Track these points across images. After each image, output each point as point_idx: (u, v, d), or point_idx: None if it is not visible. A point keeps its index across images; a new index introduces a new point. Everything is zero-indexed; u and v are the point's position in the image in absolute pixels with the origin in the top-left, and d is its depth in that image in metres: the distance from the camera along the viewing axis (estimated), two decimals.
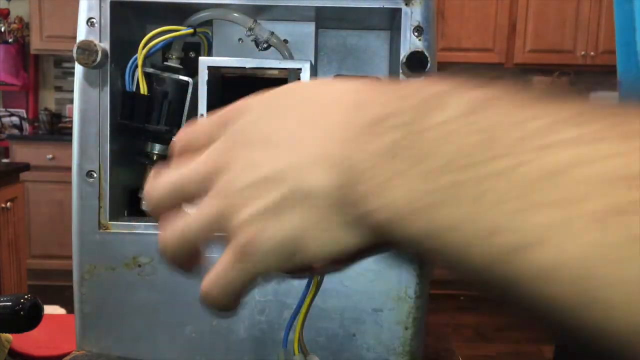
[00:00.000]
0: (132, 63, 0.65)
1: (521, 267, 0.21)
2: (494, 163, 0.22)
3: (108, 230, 0.63)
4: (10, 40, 4.15)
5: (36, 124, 4.25)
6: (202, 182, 0.33)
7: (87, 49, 0.61)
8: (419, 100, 0.25)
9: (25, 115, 4.25)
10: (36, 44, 4.08)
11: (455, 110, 0.24)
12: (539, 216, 0.21)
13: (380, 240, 0.28)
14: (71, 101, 0.60)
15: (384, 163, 0.25)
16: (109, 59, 0.63)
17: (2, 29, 4.14)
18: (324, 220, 0.29)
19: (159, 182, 0.37)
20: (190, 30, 0.65)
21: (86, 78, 0.63)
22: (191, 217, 0.34)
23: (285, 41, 0.68)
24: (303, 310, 0.59)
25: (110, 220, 0.63)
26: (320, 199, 0.28)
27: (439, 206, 0.24)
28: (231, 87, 0.69)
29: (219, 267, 0.34)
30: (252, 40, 0.67)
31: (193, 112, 0.65)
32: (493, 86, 0.24)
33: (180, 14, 0.65)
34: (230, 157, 0.31)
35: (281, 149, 0.30)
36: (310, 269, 0.32)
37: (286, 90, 0.32)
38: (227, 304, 0.34)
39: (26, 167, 2.94)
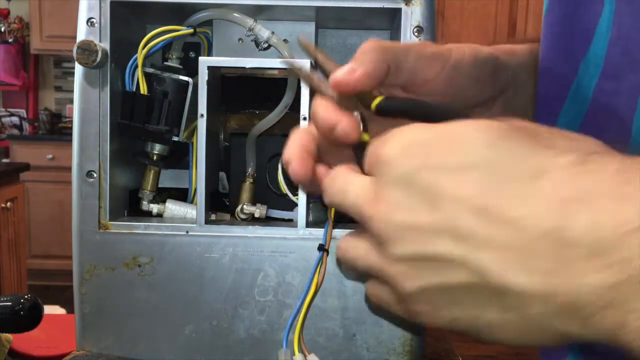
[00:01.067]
0: (132, 63, 0.65)
1: None
2: None
3: (108, 230, 0.63)
4: (10, 40, 4.15)
5: (36, 124, 4.25)
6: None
7: (87, 49, 0.61)
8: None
9: (25, 115, 4.25)
10: (36, 44, 4.08)
11: None
12: None
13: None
14: (71, 101, 0.60)
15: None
16: (109, 59, 0.63)
17: (2, 29, 4.14)
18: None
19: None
20: (190, 30, 0.65)
21: (86, 78, 0.63)
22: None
23: (285, 41, 0.68)
24: (303, 310, 0.59)
25: (110, 220, 0.63)
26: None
27: None
28: (231, 87, 0.70)
29: (382, 293, 0.34)
30: (252, 40, 0.67)
31: (193, 112, 0.65)
32: None
33: (180, 14, 0.65)
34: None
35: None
36: None
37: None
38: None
39: (26, 167, 2.95)
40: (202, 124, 0.62)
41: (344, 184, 0.35)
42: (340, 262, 0.36)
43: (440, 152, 0.30)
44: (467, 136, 0.29)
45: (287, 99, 0.67)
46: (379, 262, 0.32)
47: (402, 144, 0.31)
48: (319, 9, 0.64)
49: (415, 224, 0.29)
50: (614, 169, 0.26)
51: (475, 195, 0.28)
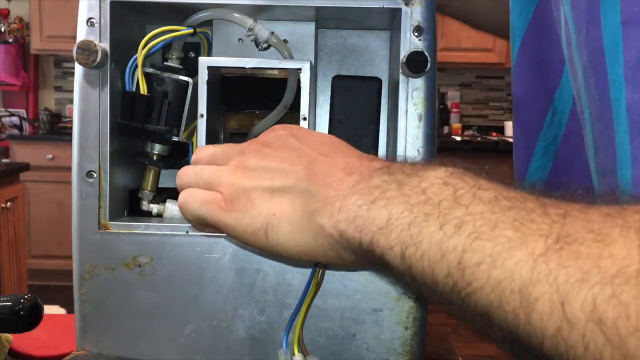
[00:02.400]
0: (132, 63, 0.65)
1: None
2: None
3: (108, 230, 0.63)
4: (10, 40, 4.15)
5: (36, 124, 4.25)
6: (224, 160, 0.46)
7: (86, 49, 0.61)
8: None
9: (25, 115, 4.25)
10: (36, 44, 4.08)
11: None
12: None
13: (341, 254, 0.40)
14: (71, 101, 0.60)
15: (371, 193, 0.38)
16: (108, 59, 0.63)
17: (2, 29, 4.14)
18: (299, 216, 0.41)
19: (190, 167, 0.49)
20: (190, 30, 0.65)
21: (86, 78, 0.63)
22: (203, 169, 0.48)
23: (285, 41, 0.68)
24: (303, 310, 0.59)
25: (110, 220, 0.63)
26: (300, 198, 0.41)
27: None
28: (231, 87, 0.70)
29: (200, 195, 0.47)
30: (252, 40, 0.67)
31: (193, 112, 0.65)
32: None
33: (180, 14, 0.65)
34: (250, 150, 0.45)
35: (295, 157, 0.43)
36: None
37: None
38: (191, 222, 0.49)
39: (26, 167, 2.95)
40: (202, 124, 0.62)
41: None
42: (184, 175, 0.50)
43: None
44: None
45: (287, 99, 0.67)
46: (228, 168, 0.45)
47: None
48: (319, 9, 0.64)
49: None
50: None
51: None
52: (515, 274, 0.29)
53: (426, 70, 0.61)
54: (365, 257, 0.38)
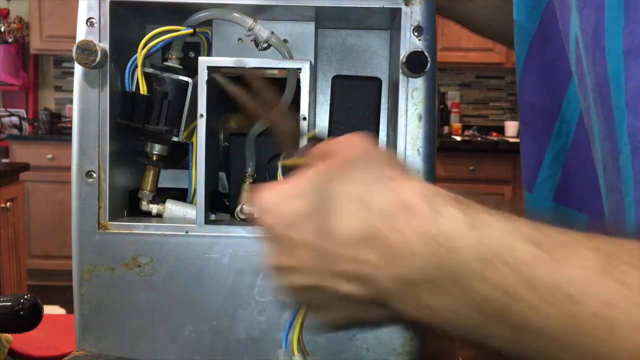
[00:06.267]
0: (132, 63, 0.65)
1: None
2: None
3: (108, 231, 0.63)
4: (10, 40, 4.15)
5: (36, 124, 4.25)
6: None
7: (86, 49, 0.61)
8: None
9: (25, 115, 4.25)
10: (36, 44, 4.07)
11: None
12: None
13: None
14: (71, 101, 0.60)
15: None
16: (108, 59, 0.63)
17: (2, 29, 4.14)
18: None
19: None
20: (190, 30, 0.65)
21: (86, 78, 0.63)
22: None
23: (285, 41, 0.68)
24: (302, 310, 0.59)
25: (109, 220, 0.63)
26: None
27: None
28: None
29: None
30: (251, 40, 0.67)
31: (193, 112, 0.65)
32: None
33: (180, 14, 0.65)
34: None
35: None
36: None
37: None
38: None
39: (26, 167, 2.94)
40: (201, 124, 0.62)
41: None
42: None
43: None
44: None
45: (286, 99, 0.67)
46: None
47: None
48: (318, 9, 0.64)
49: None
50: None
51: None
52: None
53: (426, 70, 0.61)
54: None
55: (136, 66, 0.64)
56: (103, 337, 0.64)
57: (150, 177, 0.68)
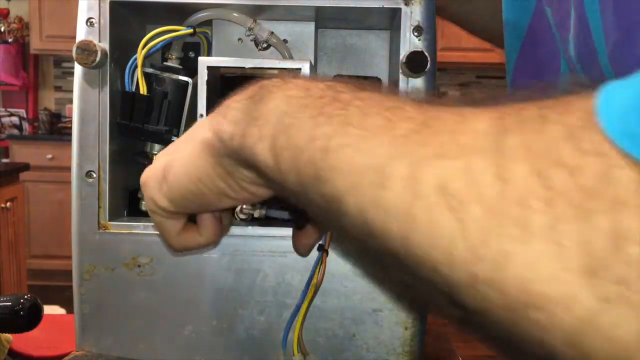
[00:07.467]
0: (132, 63, 0.65)
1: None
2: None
3: (107, 231, 0.63)
4: (10, 40, 4.15)
5: (36, 124, 4.25)
6: None
7: (86, 49, 0.61)
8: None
9: (25, 115, 4.25)
10: (36, 44, 4.08)
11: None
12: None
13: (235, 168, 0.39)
14: (71, 101, 0.60)
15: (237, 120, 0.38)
16: (108, 59, 0.63)
17: (2, 29, 4.14)
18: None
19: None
20: (190, 30, 0.65)
21: (86, 78, 0.63)
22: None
23: (285, 41, 0.68)
24: (302, 310, 0.59)
25: (109, 220, 0.63)
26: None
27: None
28: (231, 87, 0.69)
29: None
30: (251, 40, 0.67)
31: (193, 112, 0.65)
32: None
33: (180, 14, 0.65)
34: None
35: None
36: None
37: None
38: None
39: (26, 167, 2.95)
40: None
41: None
42: None
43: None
44: None
45: None
46: None
47: None
48: (318, 9, 0.64)
49: None
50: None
51: None
52: (375, 154, 0.28)
53: (426, 70, 0.61)
54: (245, 164, 0.38)
55: (136, 66, 0.64)
56: (103, 337, 0.64)
57: None
